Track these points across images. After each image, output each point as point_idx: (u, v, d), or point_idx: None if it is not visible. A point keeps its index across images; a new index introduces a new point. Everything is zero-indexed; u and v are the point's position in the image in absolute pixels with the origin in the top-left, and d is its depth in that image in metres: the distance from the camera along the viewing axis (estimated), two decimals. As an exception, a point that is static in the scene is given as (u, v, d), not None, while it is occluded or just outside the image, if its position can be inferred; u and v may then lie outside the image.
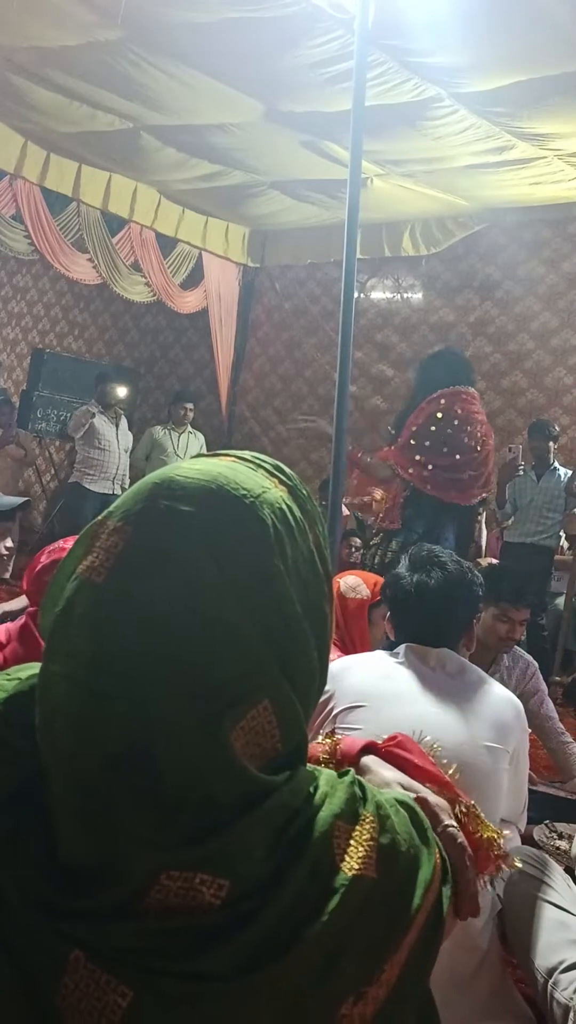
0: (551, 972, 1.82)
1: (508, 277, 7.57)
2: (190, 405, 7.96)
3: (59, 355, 8.94)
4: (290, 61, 4.63)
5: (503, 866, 0.92)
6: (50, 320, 9.28)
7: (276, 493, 0.76)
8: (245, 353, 9.21)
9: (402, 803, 0.77)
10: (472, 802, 0.92)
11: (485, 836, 0.90)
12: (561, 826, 2.91)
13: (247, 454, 0.80)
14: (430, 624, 2.10)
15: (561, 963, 1.82)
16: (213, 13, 4.23)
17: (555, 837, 2.85)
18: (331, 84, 4.73)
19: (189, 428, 8.05)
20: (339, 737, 0.97)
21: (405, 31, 4.14)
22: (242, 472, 0.75)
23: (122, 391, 7.49)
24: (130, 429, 7.63)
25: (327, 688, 2.09)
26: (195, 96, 5.36)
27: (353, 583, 2.81)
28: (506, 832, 1.01)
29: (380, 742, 0.95)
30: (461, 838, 0.84)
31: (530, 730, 2.39)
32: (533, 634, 5.53)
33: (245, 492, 0.72)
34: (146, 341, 10.01)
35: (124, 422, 7.42)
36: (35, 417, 8.34)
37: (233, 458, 0.79)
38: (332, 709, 2.06)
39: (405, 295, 8.27)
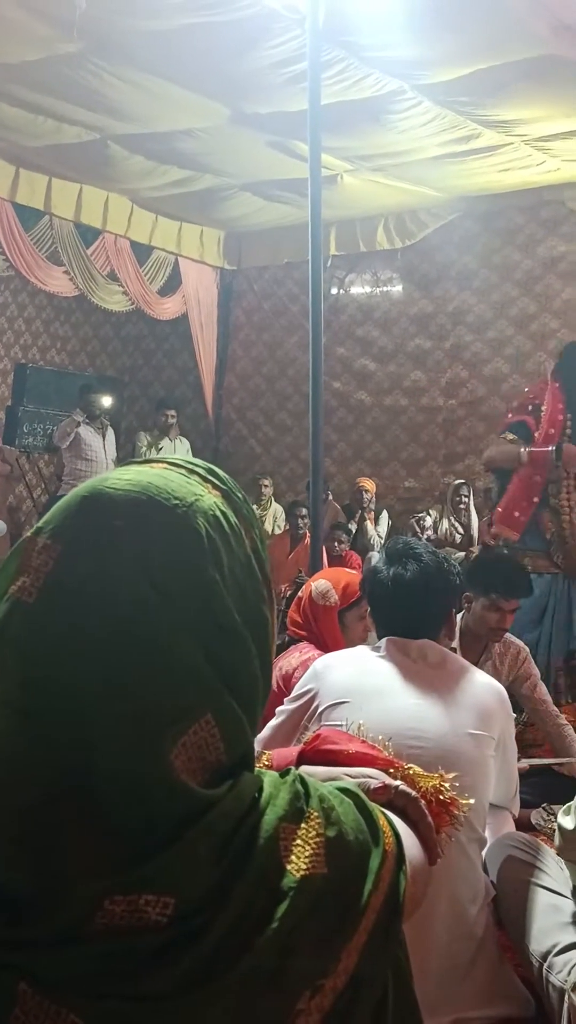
0: (545, 956, 1.83)
1: (484, 265, 7.58)
2: (172, 412, 7.99)
3: (42, 369, 8.93)
4: (249, 63, 4.64)
5: (455, 812, 0.94)
6: (31, 334, 9.27)
7: (209, 499, 0.75)
8: (228, 356, 9.21)
9: (345, 791, 0.77)
10: (406, 764, 0.95)
11: (429, 786, 0.93)
12: (558, 808, 2.92)
13: (180, 459, 0.79)
14: (409, 616, 2.10)
15: (555, 946, 1.83)
16: (169, 20, 4.24)
17: (552, 820, 2.86)
18: (292, 84, 4.74)
19: (179, 435, 8.07)
20: (269, 754, 0.98)
21: (360, 27, 4.14)
22: (174, 480, 0.74)
23: (106, 401, 7.50)
24: (117, 439, 7.63)
25: (311, 686, 2.11)
26: (159, 103, 5.36)
27: (323, 589, 2.81)
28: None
29: (307, 745, 0.97)
30: (413, 792, 0.89)
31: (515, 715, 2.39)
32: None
33: (177, 501, 0.71)
34: (128, 350, 10.01)
35: (111, 433, 7.43)
36: (21, 432, 8.34)
37: (165, 464, 0.77)
38: (317, 707, 2.07)
39: (384, 289, 8.28)
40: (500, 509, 4.10)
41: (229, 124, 5.66)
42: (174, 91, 5.17)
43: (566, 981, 1.73)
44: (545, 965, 1.82)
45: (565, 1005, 1.71)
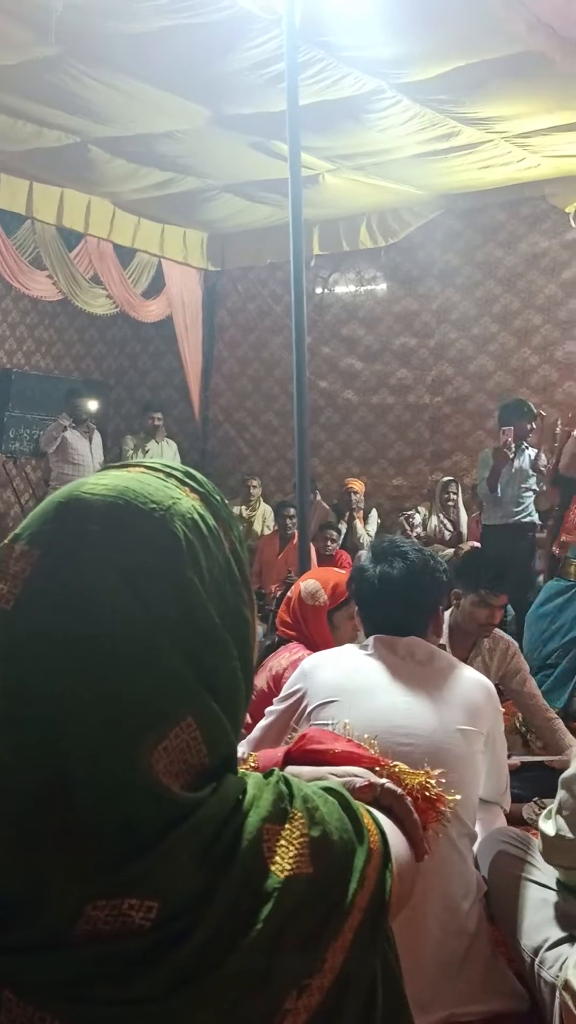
0: (537, 951, 1.83)
1: (467, 262, 7.60)
2: (157, 415, 8.00)
3: (27, 374, 8.91)
4: (229, 65, 4.64)
5: (442, 808, 0.95)
6: (16, 340, 9.23)
7: (187, 503, 0.75)
8: (213, 357, 9.21)
9: (330, 790, 0.77)
10: (392, 761, 0.96)
11: (415, 783, 0.93)
12: (550, 803, 2.92)
13: (157, 463, 0.79)
14: (396, 614, 2.11)
15: (546, 941, 1.83)
16: (146, 22, 4.23)
17: (544, 814, 2.86)
18: (272, 84, 4.74)
19: (165, 437, 8.07)
20: (255, 755, 0.99)
21: (337, 27, 4.15)
22: (151, 484, 0.74)
23: (92, 405, 7.49)
24: (104, 443, 7.62)
25: (299, 686, 2.11)
26: (139, 106, 5.36)
27: (312, 589, 2.81)
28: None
29: (293, 745, 0.97)
30: (399, 790, 0.89)
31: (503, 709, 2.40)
32: (521, 611, 5.56)
33: (154, 505, 0.72)
34: (113, 353, 9.99)
35: (97, 436, 7.42)
36: (7, 438, 8.33)
37: (143, 469, 0.78)
38: (306, 707, 2.07)
39: (368, 287, 8.30)
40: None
41: (209, 126, 5.66)
42: (153, 93, 5.16)
43: (557, 977, 1.73)
44: (537, 960, 1.82)
45: (557, 1001, 1.72)
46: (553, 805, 1.87)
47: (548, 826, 1.87)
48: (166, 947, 0.63)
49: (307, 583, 2.85)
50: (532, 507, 5.85)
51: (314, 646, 2.69)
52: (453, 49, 4.48)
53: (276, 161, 6.08)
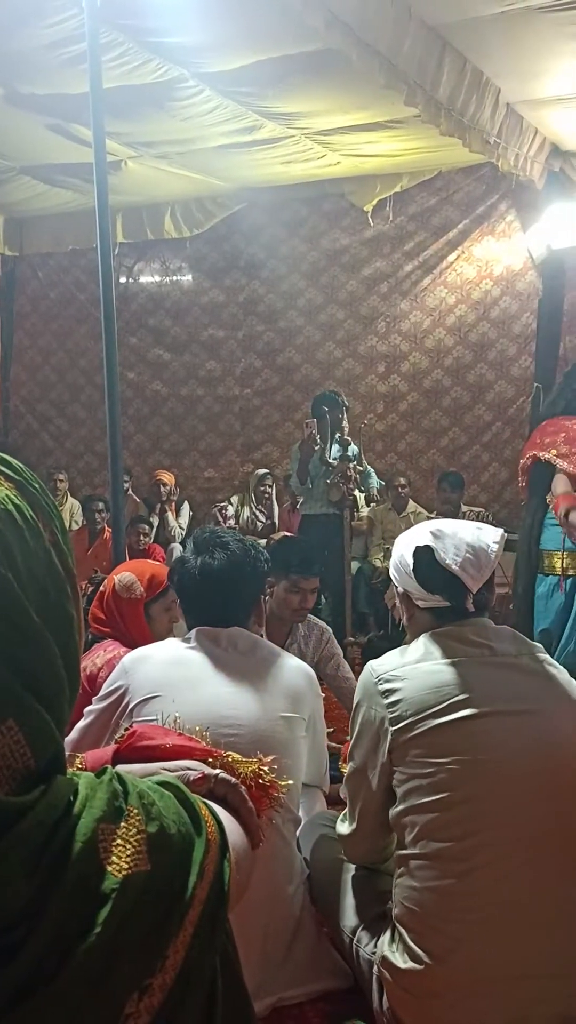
0: (355, 930, 1.90)
1: (272, 256, 7.70)
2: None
3: None
4: (23, 42, 4.42)
5: (275, 795, 0.96)
6: None
7: (0, 492, 0.70)
8: (13, 347, 8.83)
9: (165, 784, 0.76)
10: (223, 752, 0.96)
11: (249, 772, 0.94)
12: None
13: None
14: (218, 605, 2.11)
15: (363, 920, 1.90)
16: None
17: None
18: (71, 65, 4.56)
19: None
20: (82, 756, 0.96)
21: (140, 10, 4.06)
22: None
23: None
24: None
25: (120, 683, 2.07)
26: None
27: (127, 582, 2.73)
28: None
29: (122, 743, 0.95)
30: (234, 779, 0.90)
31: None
32: (336, 598, 5.72)
33: None
34: None
35: None
36: None
37: None
38: (128, 704, 2.03)
39: (173, 278, 8.24)
40: None
41: (4, 104, 5.39)
42: None
43: (374, 953, 1.80)
44: (355, 939, 1.88)
45: (374, 976, 1.78)
46: (347, 809, 1.95)
47: (344, 827, 1.94)
48: None
49: (121, 575, 2.77)
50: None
51: (131, 641, 2.63)
52: (255, 42, 4.50)
53: (75, 145, 5.89)
